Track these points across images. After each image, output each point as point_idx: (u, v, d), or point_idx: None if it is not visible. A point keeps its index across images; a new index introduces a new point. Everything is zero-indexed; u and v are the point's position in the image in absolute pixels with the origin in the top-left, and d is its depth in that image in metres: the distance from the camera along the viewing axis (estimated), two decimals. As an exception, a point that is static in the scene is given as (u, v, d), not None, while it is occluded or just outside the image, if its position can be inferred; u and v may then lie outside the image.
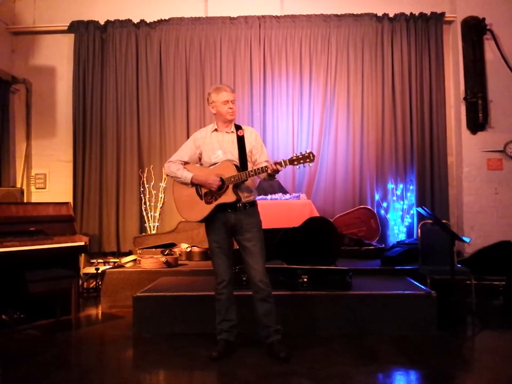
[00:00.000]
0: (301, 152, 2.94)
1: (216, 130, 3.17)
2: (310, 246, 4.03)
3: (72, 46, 5.76)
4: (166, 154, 5.62)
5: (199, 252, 5.16)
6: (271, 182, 5.17)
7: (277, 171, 2.93)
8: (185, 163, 3.18)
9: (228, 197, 3.00)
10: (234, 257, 3.18)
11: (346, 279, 3.68)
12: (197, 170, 3.12)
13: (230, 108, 3.11)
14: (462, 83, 5.52)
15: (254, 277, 3.03)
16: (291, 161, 2.91)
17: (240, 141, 3.11)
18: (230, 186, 3.00)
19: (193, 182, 3.08)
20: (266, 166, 2.94)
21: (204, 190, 3.07)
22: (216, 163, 3.08)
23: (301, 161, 2.91)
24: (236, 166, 3.02)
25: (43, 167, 5.82)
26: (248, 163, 3.08)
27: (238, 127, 3.17)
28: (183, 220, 5.38)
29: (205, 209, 3.05)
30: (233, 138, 3.12)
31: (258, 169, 2.97)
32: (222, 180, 3.00)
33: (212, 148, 3.13)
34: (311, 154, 2.91)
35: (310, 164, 2.94)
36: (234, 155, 3.08)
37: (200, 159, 3.19)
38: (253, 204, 3.13)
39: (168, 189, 5.62)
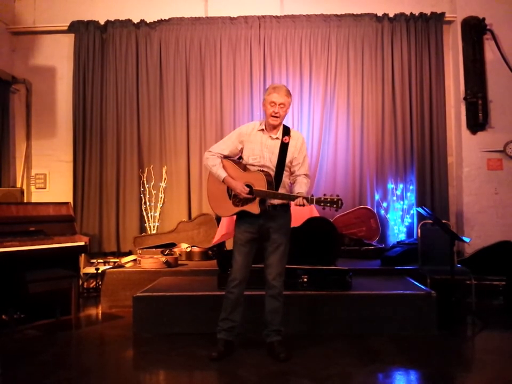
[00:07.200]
0: (331, 195, 2.89)
1: (262, 130, 3.10)
2: (310, 246, 4.03)
3: (72, 46, 5.75)
4: (166, 154, 5.63)
5: (199, 252, 5.16)
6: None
7: (302, 205, 2.88)
8: (225, 156, 3.15)
9: (253, 208, 2.98)
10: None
11: (346, 279, 3.68)
12: (232, 171, 3.08)
13: (275, 112, 2.99)
14: (462, 83, 5.51)
15: (269, 274, 3.08)
16: (318, 201, 2.85)
17: (283, 148, 3.05)
18: (257, 198, 2.97)
19: (225, 182, 3.07)
20: (295, 198, 2.88)
21: (233, 192, 3.05)
22: (253, 165, 3.06)
23: (328, 204, 2.84)
24: (268, 181, 2.96)
25: (43, 167, 5.81)
26: (285, 172, 3.06)
27: (286, 132, 3.09)
28: (183, 220, 5.44)
29: (230, 210, 3.09)
30: (277, 145, 3.06)
31: (285, 195, 2.96)
32: (251, 189, 2.97)
33: (253, 148, 3.08)
34: (339, 201, 2.82)
35: (336, 210, 2.90)
36: (273, 162, 3.04)
37: (240, 152, 3.15)
38: (284, 205, 3.09)
39: (168, 188, 5.62)
